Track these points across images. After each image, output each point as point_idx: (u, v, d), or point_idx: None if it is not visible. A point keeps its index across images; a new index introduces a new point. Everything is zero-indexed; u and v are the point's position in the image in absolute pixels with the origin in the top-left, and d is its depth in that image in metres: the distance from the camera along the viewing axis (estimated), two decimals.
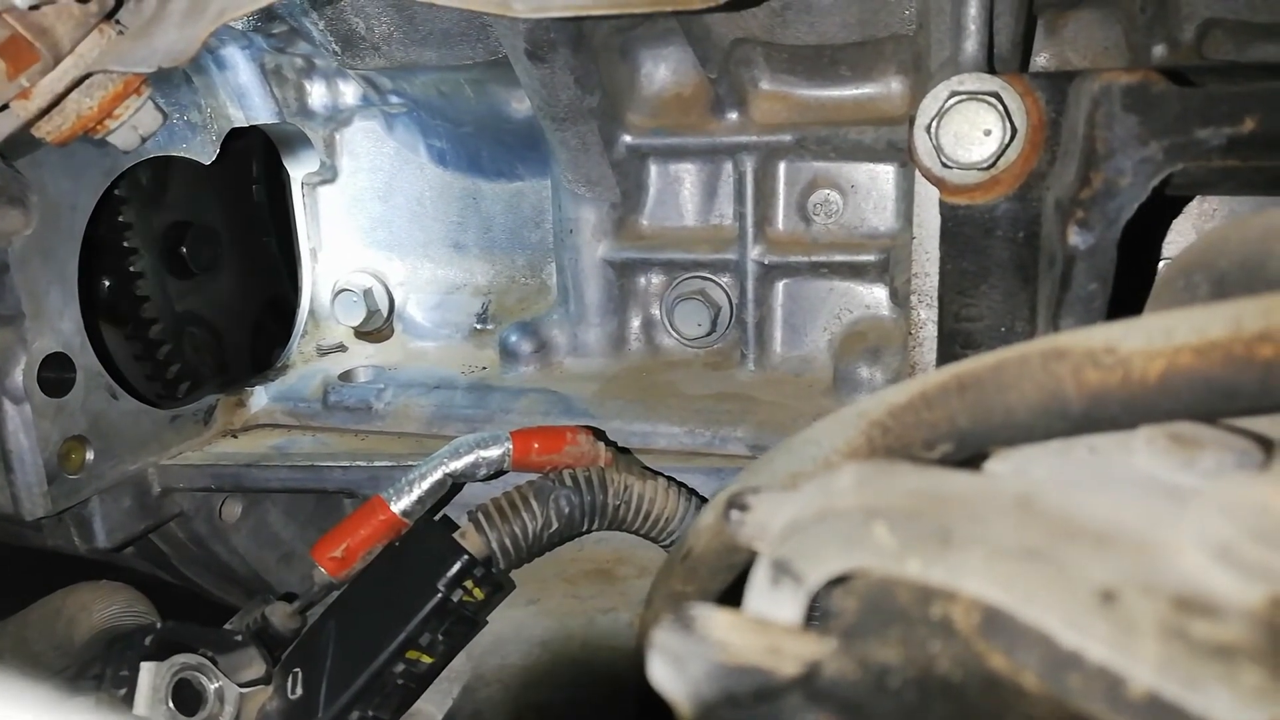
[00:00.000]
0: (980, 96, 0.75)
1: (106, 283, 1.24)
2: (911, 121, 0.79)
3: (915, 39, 0.96)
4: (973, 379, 0.42)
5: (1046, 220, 0.75)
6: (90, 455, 1.03)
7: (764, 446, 1.06)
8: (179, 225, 1.30)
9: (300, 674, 0.82)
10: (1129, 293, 0.67)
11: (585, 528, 0.90)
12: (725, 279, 1.17)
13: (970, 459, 0.45)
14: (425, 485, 0.91)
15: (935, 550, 0.33)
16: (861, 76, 1.04)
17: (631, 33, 1.06)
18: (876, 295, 1.12)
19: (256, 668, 0.83)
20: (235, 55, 1.15)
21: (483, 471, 0.93)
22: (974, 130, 0.76)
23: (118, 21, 0.65)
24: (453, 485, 0.93)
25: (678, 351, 1.22)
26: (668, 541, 0.93)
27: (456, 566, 0.83)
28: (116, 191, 1.09)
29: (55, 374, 0.99)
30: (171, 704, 0.78)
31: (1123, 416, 0.38)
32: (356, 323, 1.32)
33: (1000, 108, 0.75)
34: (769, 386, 1.14)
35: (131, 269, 1.23)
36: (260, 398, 1.24)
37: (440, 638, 0.83)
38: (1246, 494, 0.32)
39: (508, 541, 0.87)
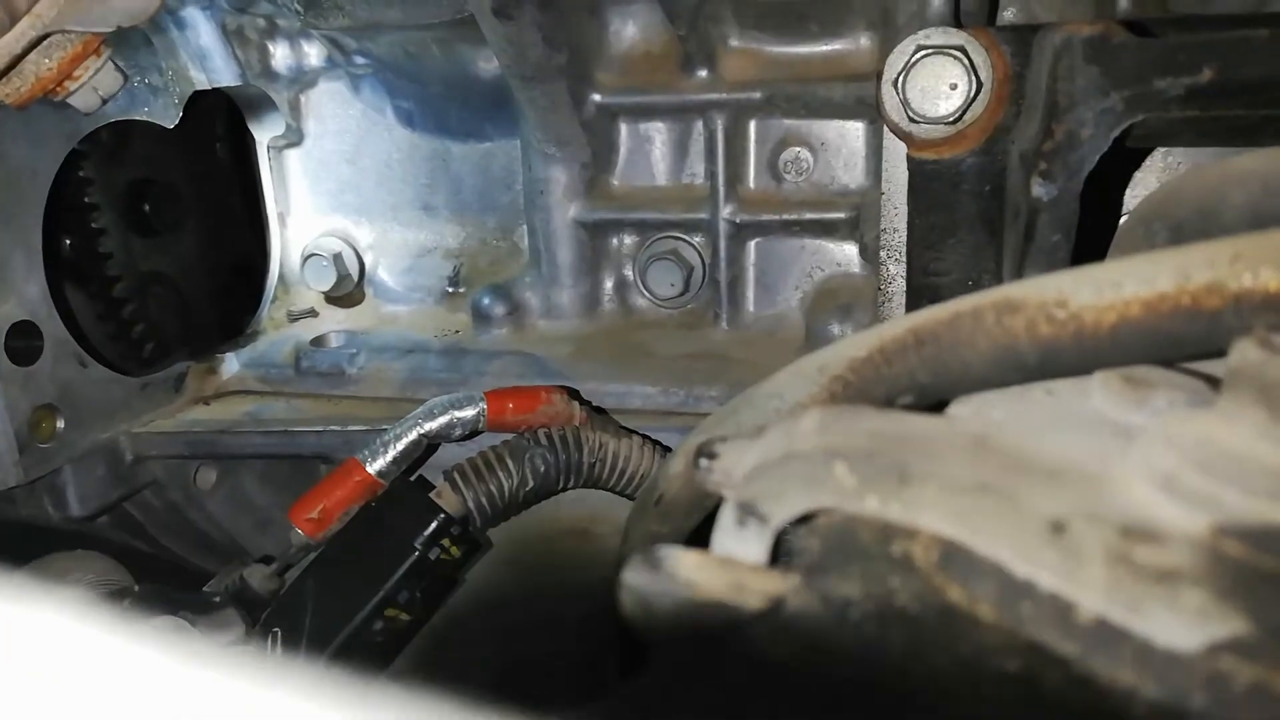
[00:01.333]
0: (946, 50, 0.75)
1: (68, 240, 1.22)
2: (879, 77, 0.79)
3: None
4: (929, 334, 0.43)
5: (1012, 173, 0.75)
6: (61, 424, 1.02)
7: None
8: (141, 182, 1.28)
9: (279, 634, 0.83)
10: (1093, 245, 0.69)
11: (561, 486, 0.91)
12: (697, 239, 1.17)
13: (933, 405, 0.46)
14: (400, 446, 0.91)
15: (893, 487, 0.34)
16: (830, 32, 1.04)
17: None
18: (847, 252, 1.12)
19: (235, 629, 0.83)
20: (196, 16, 1.13)
21: (458, 432, 0.94)
22: (940, 84, 0.76)
23: None
24: (428, 446, 0.94)
25: (651, 312, 1.22)
26: None
27: (433, 525, 0.83)
28: (78, 147, 1.07)
29: (22, 342, 0.98)
30: None
31: (1077, 365, 0.39)
32: (327, 288, 1.31)
33: (966, 61, 0.75)
34: (742, 345, 1.15)
35: (93, 225, 1.22)
36: (232, 364, 1.24)
37: (418, 596, 0.84)
38: (1191, 427, 0.33)
39: (484, 500, 0.87)
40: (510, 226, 1.29)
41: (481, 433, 0.95)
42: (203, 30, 1.14)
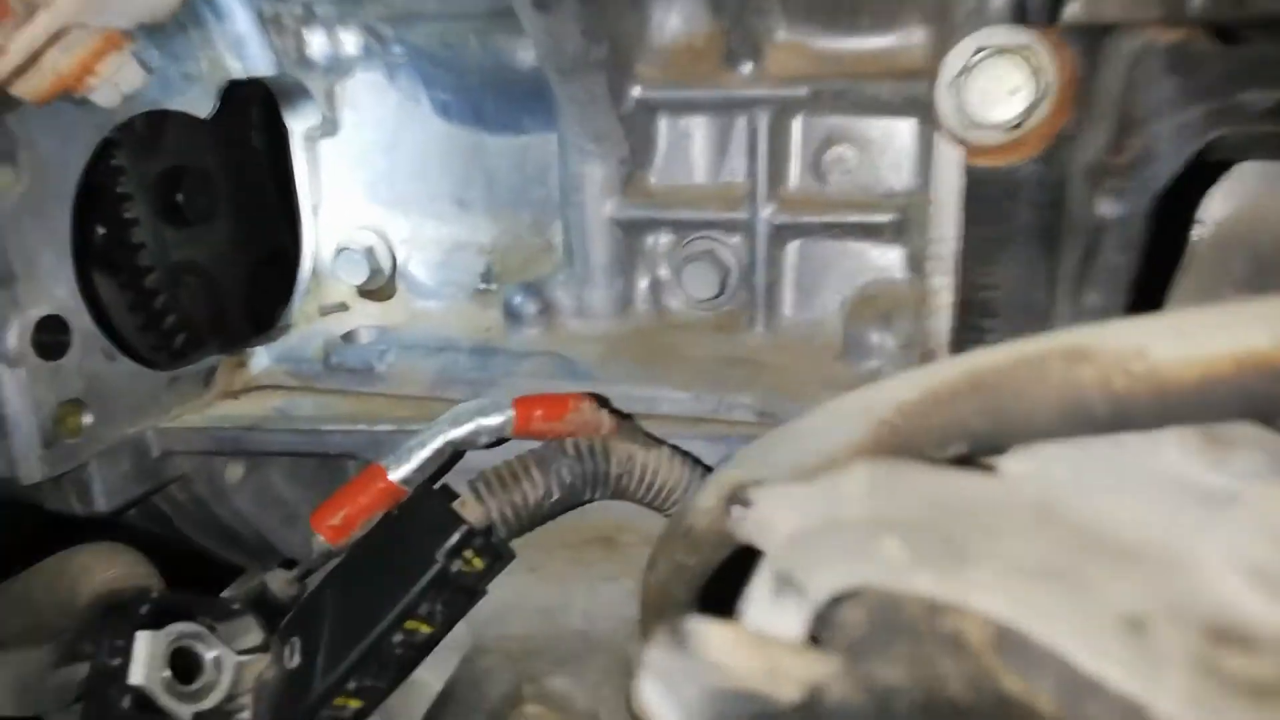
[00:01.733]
0: (1009, 51, 0.71)
1: (100, 230, 1.21)
2: (935, 78, 0.75)
3: None
4: (988, 380, 0.40)
5: (1073, 185, 0.71)
6: (88, 419, 1.01)
7: (771, 413, 1.03)
8: (174, 171, 1.27)
9: (298, 642, 0.81)
10: (1159, 266, 0.64)
11: (587, 497, 0.88)
12: (735, 239, 1.13)
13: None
14: (425, 453, 0.89)
15: (948, 566, 0.30)
16: (883, 26, 0.99)
17: None
18: (890, 257, 1.08)
19: (254, 635, 0.82)
20: (233, 3, 1.11)
21: (484, 439, 0.92)
22: (1001, 88, 0.71)
23: None
24: (454, 453, 0.91)
25: (685, 314, 1.19)
26: (671, 510, 0.91)
27: (455, 537, 0.81)
28: (110, 135, 1.05)
29: (50, 337, 0.97)
30: (169, 672, 0.78)
31: (1153, 423, 0.35)
32: (359, 281, 1.29)
33: (1030, 64, 0.70)
34: (778, 351, 1.11)
35: (125, 215, 1.21)
36: (262, 358, 1.22)
37: (439, 607, 0.82)
38: None
39: (508, 510, 0.85)
40: (545, 223, 1.26)
41: (508, 440, 0.92)
42: (239, 18, 1.12)
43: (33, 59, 0.62)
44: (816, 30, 1.00)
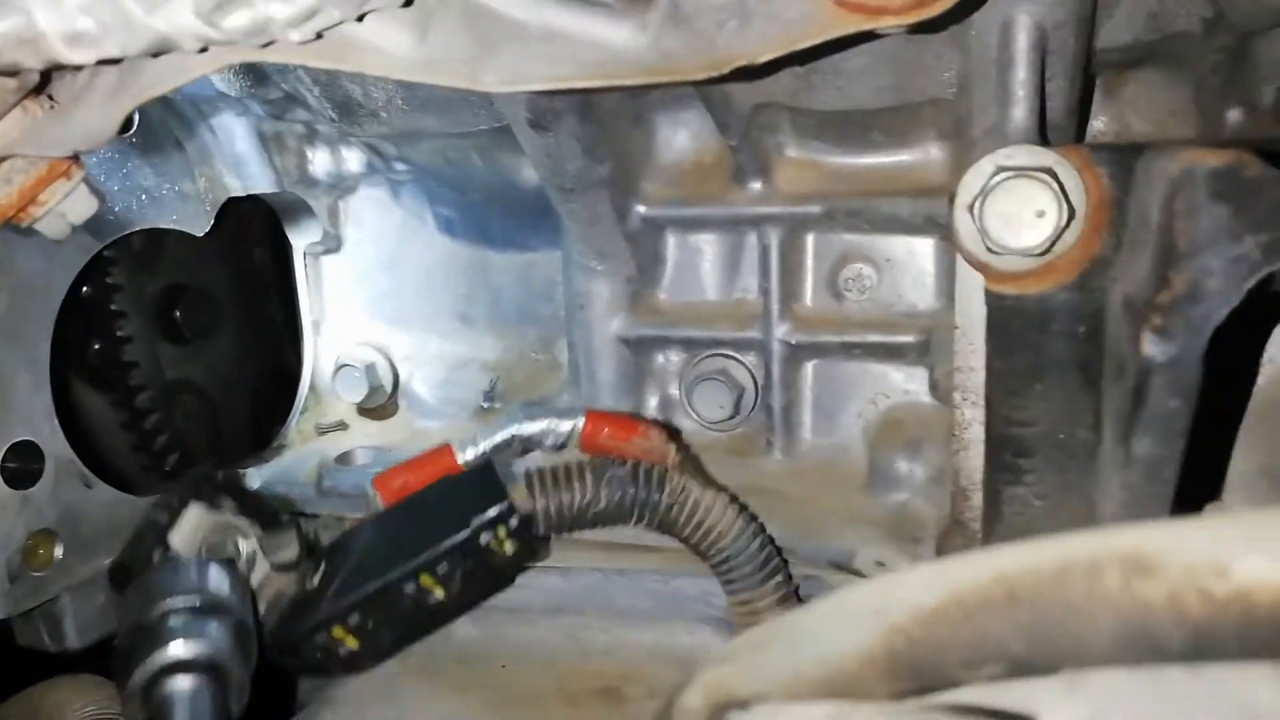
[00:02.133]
0: (1031, 173, 0.65)
1: (94, 347, 1.18)
2: (952, 199, 0.69)
3: (956, 103, 0.86)
4: (1026, 591, 0.32)
5: (1113, 317, 0.64)
6: (59, 550, 0.96)
7: (791, 549, 0.95)
8: (174, 289, 1.25)
9: (322, 569, 0.85)
10: (1218, 410, 0.56)
11: (633, 520, 0.89)
12: (749, 358, 1.07)
13: None
14: (493, 440, 0.93)
15: None
16: (896, 143, 0.95)
17: (644, 98, 0.98)
18: (915, 380, 1.01)
19: (290, 551, 0.83)
20: (232, 123, 1.09)
21: (550, 441, 0.95)
22: (1025, 211, 0.66)
23: (49, 97, 0.58)
24: (522, 449, 0.95)
25: (698, 435, 1.12)
26: (716, 558, 0.89)
27: (494, 511, 0.83)
28: (106, 252, 1.03)
29: (20, 464, 0.92)
30: (204, 553, 0.80)
31: (1240, 654, 0.28)
32: (358, 399, 1.24)
33: (1055, 185, 0.65)
34: (797, 478, 1.04)
35: (119, 333, 1.17)
36: (253, 481, 1.17)
37: (458, 575, 0.83)
38: None
39: (552, 506, 0.87)
40: (550, 339, 1.21)
41: (572, 448, 0.95)
42: (238, 137, 1.11)
43: None
44: (827, 147, 0.96)
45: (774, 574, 0.89)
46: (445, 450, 0.93)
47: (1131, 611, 0.28)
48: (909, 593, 0.34)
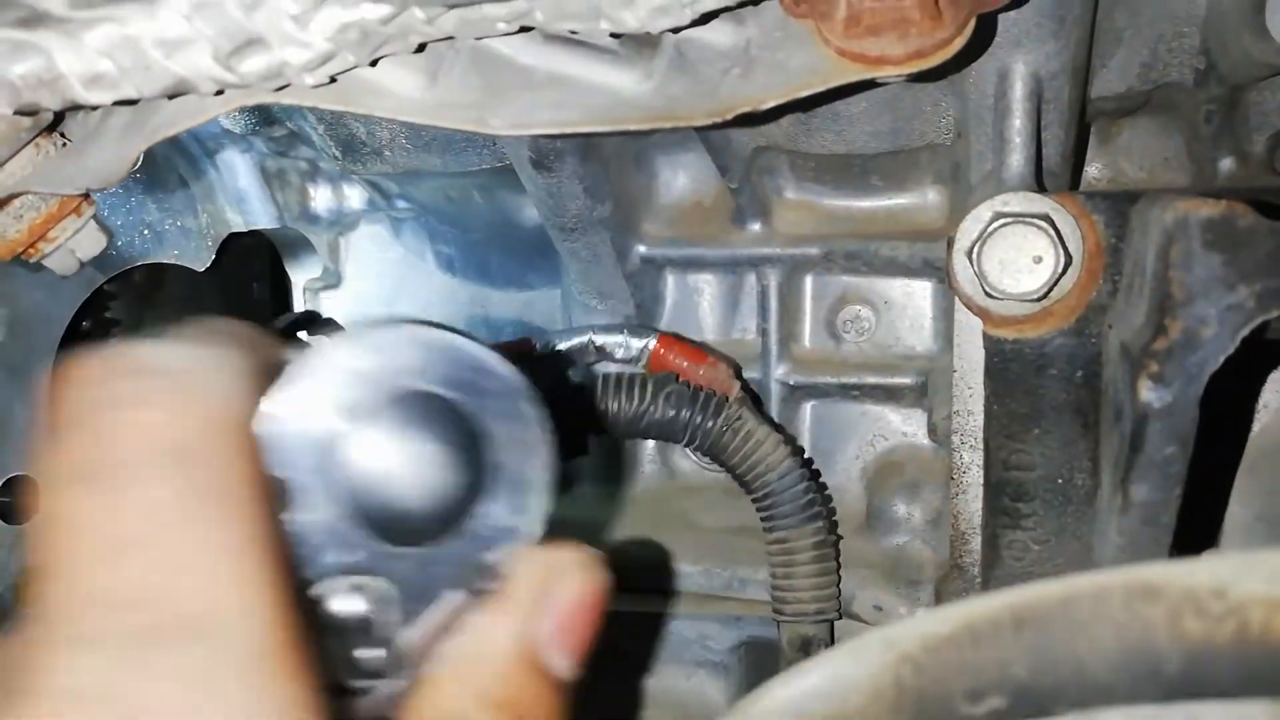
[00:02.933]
0: (1029, 219, 0.66)
1: None
2: (950, 244, 0.70)
3: (953, 149, 0.88)
4: (1033, 614, 0.33)
5: (1109, 361, 0.65)
6: None
7: None
8: (173, 322, 1.25)
9: None
10: (1214, 456, 0.57)
11: (684, 440, 0.91)
12: None
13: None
14: (569, 342, 0.98)
15: None
16: (894, 186, 0.96)
17: (646, 140, 0.99)
18: (914, 422, 1.01)
19: None
20: (235, 159, 1.10)
21: (620, 354, 0.98)
22: (1022, 257, 0.67)
23: (62, 134, 0.59)
24: (596, 354, 0.99)
25: (695, 476, 1.12)
26: (759, 490, 0.90)
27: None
28: (106, 286, 1.03)
29: (16, 498, 0.91)
30: None
31: (1234, 683, 0.28)
32: None
33: (1052, 232, 0.66)
34: None
35: None
36: None
37: None
38: None
39: (608, 407, 0.90)
40: None
41: (640, 364, 0.98)
42: (241, 173, 1.12)
43: None
44: (826, 190, 0.97)
45: (815, 518, 0.89)
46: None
47: (1132, 629, 0.29)
48: (923, 622, 0.35)
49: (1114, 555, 0.64)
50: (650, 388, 0.91)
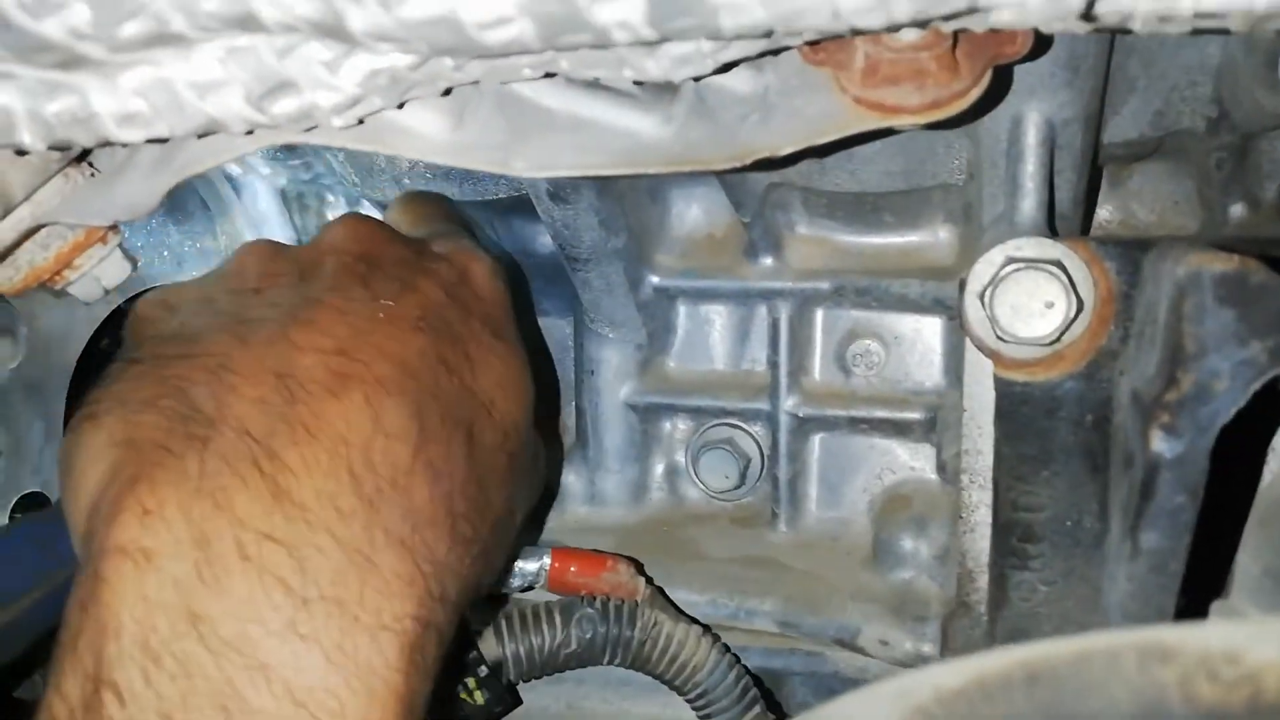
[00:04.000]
0: (1041, 265, 0.67)
1: None
2: (962, 285, 0.71)
3: (965, 189, 0.89)
4: (1046, 671, 0.33)
5: (1119, 407, 0.65)
6: None
7: (794, 624, 0.95)
8: None
9: None
10: (1224, 506, 0.57)
11: (606, 658, 0.88)
12: (756, 428, 1.08)
13: None
14: None
15: None
16: (906, 224, 0.97)
17: (661, 175, 1.00)
18: (921, 457, 1.02)
19: None
20: (255, 183, 1.12)
21: (516, 582, 0.92)
22: (1034, 301, 0.67)
23: (90, 164, 0.60)
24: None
25: (703, 504, 1.12)
26: (692, 693, 0.88)
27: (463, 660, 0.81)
28: (124, 305, 1.04)
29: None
30: None
31: None
32: None
33: (1064, 278, 0.66)
34: (802, 551, 1.04)
35: None
36: None
37: None
38: None
39: (522, 651, 0.85)
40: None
41: (540, 588, 0.92)
42: (261, 196, 1.13)
43: (5, 254, 0.60)
44: (839, 226, 0.98)
45: (752, 705, 0.89)
46: None
47: (1144, 691, 0.30)
48: (935, 675, 0.35)
49: (1122, 601, 0.64)
50: (557, 617, 0.86)
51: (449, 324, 0.70)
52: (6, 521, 0.89)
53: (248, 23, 0.42)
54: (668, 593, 0.99)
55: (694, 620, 0.92)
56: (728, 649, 0.92)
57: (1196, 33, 0.51)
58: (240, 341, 0.59)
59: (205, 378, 0.57)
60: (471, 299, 0.77)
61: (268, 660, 0.49)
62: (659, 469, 1.14)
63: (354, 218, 0.77)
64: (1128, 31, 0.52)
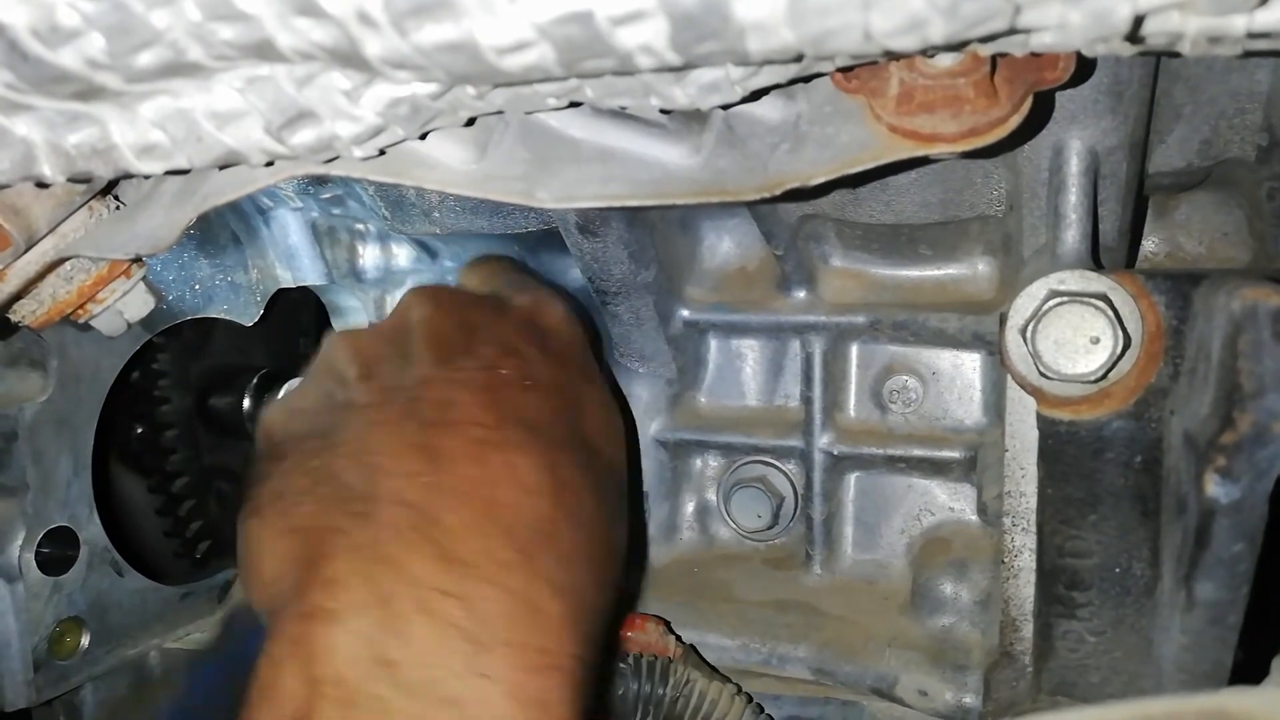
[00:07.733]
0: (1085, 299, 0.64)
1: (134, 431, 1.18)
2: (1003, 320, 0.68)
3: (1005, 221, 0.86)
4: None
5: (1170, 449, 0.62)
6: (86, 639, 0.95)
7: (828, 671, 0.91)
8: (217, 374, 1.26)
9: None
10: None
11: (638, 716, 0.87)
12: (790, 466, 1.05)
13: None
14: None
15: None
16: (944, 256, 0.94)
17: (691, 206, 0.99)
18: (961, 497, 0.98)
19: None
20: (286, 216, 1.12)
21: None
22: (1079, 336, 0.64)
23: (116, 197, 0.60)
24: None
25: (735, 544, 1.09)
26: None
27: None
28: (155, 338, 1.04)
29: (56, 550, 0.92)
30: None
31: None
32: None
33: (1110, 312, 0.64)
34: (837, 595, 1.00)
35: (161, 419, 1.18)
36: None
37: None
38: None
39: None
40: None
41: None
42: (293, 230, 1.14)
43: (29, 287, 0.60)
44: (874, 258, 0.96)
45: None
46: None
47: None
48: None
49: (1176, 654, 0.60)
50: None
51: (552, 377, 0.76)
52: (32, 562, 0.89)
53: (265, 51, 0.42)
54: (699, 636, 0.96)
55: (727, 679, 0.90)
56: (761, 709, 0.89)
57: (1247, 55, 0.49)
58: (373, 425, 0.65)
59: (350, 463, 0.63)
60: (560, 347, 0.82)
61: (457, 696, 0.54)
62: (689, 507, 1.11)
63: (431, 288, 0.83)
64: (1175, 54, 0.49)
